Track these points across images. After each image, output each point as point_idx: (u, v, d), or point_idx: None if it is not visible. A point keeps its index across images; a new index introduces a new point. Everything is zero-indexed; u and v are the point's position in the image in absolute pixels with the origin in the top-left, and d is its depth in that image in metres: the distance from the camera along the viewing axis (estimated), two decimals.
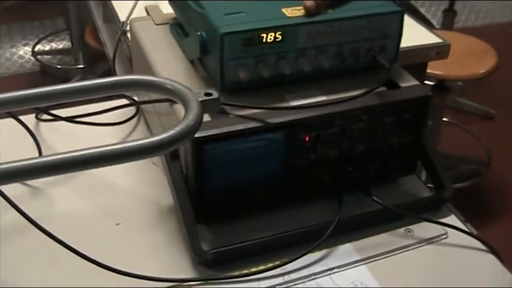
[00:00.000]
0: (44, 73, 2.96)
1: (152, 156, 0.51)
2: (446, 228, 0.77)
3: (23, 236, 0.72)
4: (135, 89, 0.59)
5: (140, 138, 0.50)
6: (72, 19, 2.70)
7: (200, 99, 0.57)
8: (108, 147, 0.48)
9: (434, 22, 3.32)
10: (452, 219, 0.79)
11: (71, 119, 0.85)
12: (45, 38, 3.17)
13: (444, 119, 2.30)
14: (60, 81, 2.76)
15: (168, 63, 0.81)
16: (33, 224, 0.65)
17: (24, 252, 0.72)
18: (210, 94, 0.59)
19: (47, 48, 3.14)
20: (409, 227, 0.77)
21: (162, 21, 0.91)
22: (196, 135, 0.65)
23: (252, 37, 0.71)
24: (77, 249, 0.68)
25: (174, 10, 0.87)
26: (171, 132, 0.51)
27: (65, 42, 3.15)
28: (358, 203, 0.78)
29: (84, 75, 2.79)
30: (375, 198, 0.77)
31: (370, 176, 0.79)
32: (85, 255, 0.66)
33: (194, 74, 0.79)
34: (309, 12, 0.73)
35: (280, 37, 0.72)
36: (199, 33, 0.74)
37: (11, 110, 0.59)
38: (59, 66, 2.95)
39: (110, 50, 1.62)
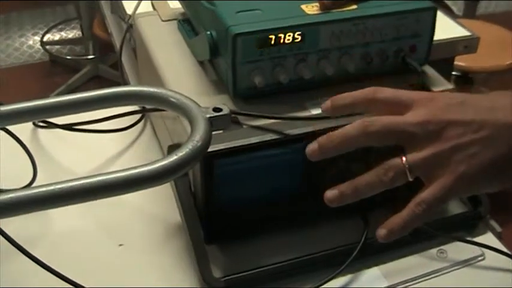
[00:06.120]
0: (54, 63, 2.90)
1: (151, 187, 0.44)
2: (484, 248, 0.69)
3: (14, 257, 0.65)
4: (134, 102, 0.52)
5: (135, 167, 0.42)
6: (82, 8, 2.63)
7: (208, 115, 0.50)
8: (90, 180, 0.41)
9: (455, 9, 3.21)
10: (489, 237, 0.71)
11: (68, 127, 0.78)
12: (54, 26, 3.10)
13: None
14: (71, 72, 2.72)
15: (175, 63, 0.74)
16: (18, 249, 0.58)
17: (15, 275, 0.65)
18: (219, 109, 0.52)
19: (57, 37, 3.07)
20: (442, 247, 0.69)
21: (169, 17, 0.83)
22: None
23: (268, 38, 0.63)
24: (74, 275, 0.61)
25: (182, 5, 0.80)
26: (173, 158, 0.43)
27: (75, 31, 3.09)
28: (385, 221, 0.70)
29: (95, 65, 2.72)
30: None
31: (399, 190, 0.71)
32: (78, 285, 0.59)
33: (203, 77, 0.71)
34: (324, 8, 0.65)
35: (299, 37, 0.64)
36: (208, 32, 0.67)
37: None
38: (68, 57, 2.89)
39: (116, 43, 1.55)
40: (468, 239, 0.70)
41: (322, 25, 0.64)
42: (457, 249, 0.69)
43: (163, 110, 0.70)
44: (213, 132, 0.58)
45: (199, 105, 0.51)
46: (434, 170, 0.49)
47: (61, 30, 3.11)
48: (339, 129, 0.54)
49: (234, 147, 0.60)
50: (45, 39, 3.01)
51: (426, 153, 0.49)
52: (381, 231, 0.52)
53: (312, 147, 0.55)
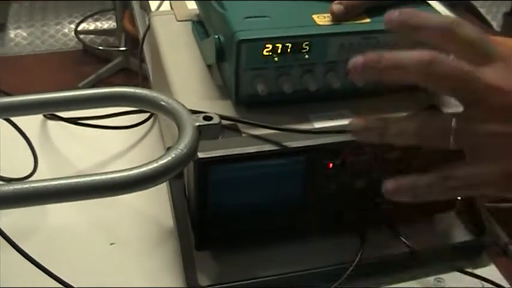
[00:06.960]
0: (86, 52, 2.93)
1: (130, 193, 0.43)
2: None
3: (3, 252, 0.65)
4: (126, 103, 0.51)
5: (113, 171, 0.41)
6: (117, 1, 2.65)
7: (197, 123, 0.49)
8: (65, 181, 0.40)
9: (494, 24, 3.13)
10: (491, 270, 0.68)
11: (74, 121, 0.78)
12: (90, 16, 3.14)
13: None
14: (102, 62, 2.74)
15: (183, 64, 0.73)
16: (9, 243, 0.58)
17: (4, 268, 0.65)
18: (209, 118, 0.50)
19: (92, 27, 3.10)
20: (441, 276, 0.67)
21: (184, 17, 0.82)
22: (200, 156, 0.57)
23: (274, 46, 0.62)
24: (61, 269, 0.60)
25: (197, 6, 0.79)
26: (154, 165, 0.42)
27: (110, 22, 3.11)
28: (383, 242, 0.68)
29: (126, 57, 2.74)
30: (403, 238, 0.67)
31: (401, 211, 0.69)
32: (65, 283, 0.58)
33: (209, 81, 0.70)
34: (336, 19, 0.63)
35: (307, 48, 0.63)
36: (216, 36, 0.65)
37: None
38: (100, 48, 2.91)
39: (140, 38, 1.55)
40: (469, 270, 0.67)
41: (331, 37, 0.63)
42: (456, 278, 0.67)
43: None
44: None
45: (189, 112, 0.49)
46: (482, 149, 0.40)
47: (96, 20, 3.14)
48: (397, 51, 0.43)
49: (230, 155, 0.59)
50: (80, 28, 3.04)
51: (484, 128, 0.40)
52: (389, 185, 0.46)
53: (357, 61, 0.46)
